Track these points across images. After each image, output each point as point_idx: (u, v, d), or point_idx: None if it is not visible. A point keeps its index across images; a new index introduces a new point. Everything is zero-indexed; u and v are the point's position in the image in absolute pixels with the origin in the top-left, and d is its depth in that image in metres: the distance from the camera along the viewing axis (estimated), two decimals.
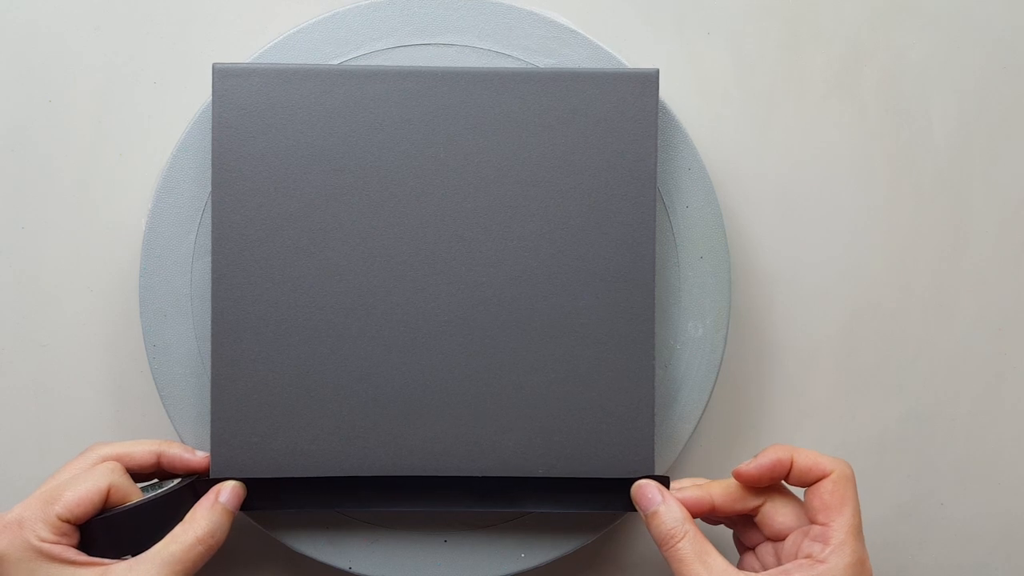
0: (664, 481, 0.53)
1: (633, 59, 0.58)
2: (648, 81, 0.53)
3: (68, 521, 0.49)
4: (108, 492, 0.50)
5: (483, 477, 0.53)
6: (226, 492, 0.52)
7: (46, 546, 0.48)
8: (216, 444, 0.53)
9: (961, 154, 0.60)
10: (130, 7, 0.58)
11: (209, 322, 0.54)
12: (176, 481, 0.53)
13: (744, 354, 0.60)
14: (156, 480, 0.53)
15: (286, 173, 0.53)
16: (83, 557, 0.49)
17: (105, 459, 0.51)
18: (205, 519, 0.50)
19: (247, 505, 0.53)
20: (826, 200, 0.60)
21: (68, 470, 0.51)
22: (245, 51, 0.57)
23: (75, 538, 0.49)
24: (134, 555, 0.49)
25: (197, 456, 0.53)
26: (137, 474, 0.53)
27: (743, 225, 0.59)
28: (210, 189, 0.54)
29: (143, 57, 0.58)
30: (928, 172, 0.60)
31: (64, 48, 0.57)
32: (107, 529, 0.50)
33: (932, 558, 0.61)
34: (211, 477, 0.53)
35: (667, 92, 0.57)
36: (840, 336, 0.60)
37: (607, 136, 0.53)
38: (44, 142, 0.58)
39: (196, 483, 0.52)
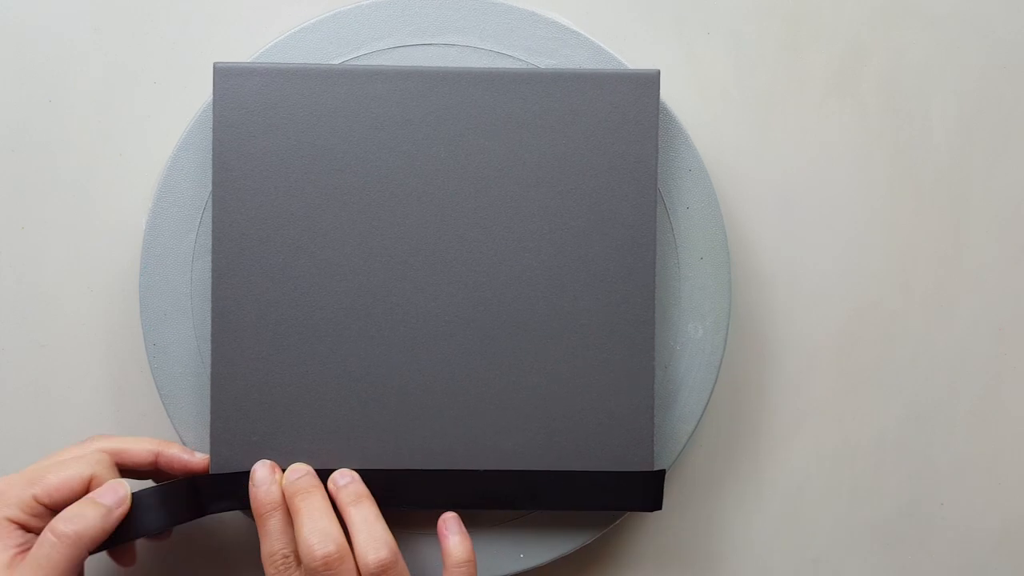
0: (660, 474, 0.53)
1: (633, 59, 0.58)
2: (649, 82, 0.54)
3: (44, 504, 0.49)
4: (90, 482, 0.50)
5: (482, 472, 0.53)
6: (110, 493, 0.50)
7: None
8: (216, 443, 0.53)
9: (961, 154, 0.60)
10: (130, 7, 0.58)
11: (209, 321, 0.54)
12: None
13: (744, 355, 0.60)
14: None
15: (287, 173, 0.53)
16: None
17: (101, 451, 0.51)
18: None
19: (248, 505, 0.52)
20: (826, 200, 0.60)
21: (62, 454, 0.51)
22: (246, 51, 0.57)
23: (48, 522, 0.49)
24: (116, 546, 0.49)
25: (196, 457, 0.53)
26: (132, 472, 0.53)
27: (743, 226, 0.59)
28: (210, 189, 0.54)
29: (143, 57, 0.58)
30: (928, 172, 0.60)
31: (64, 48, 0.57)
32: None
33: (932, 558, 0.61)
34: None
35: (667, 92, 0.57)
36: (840, 336, 0.60)
37: (608, 137, 0.53)
38: (44, 142, 0.58)
39: (196, 479, 0.52)
